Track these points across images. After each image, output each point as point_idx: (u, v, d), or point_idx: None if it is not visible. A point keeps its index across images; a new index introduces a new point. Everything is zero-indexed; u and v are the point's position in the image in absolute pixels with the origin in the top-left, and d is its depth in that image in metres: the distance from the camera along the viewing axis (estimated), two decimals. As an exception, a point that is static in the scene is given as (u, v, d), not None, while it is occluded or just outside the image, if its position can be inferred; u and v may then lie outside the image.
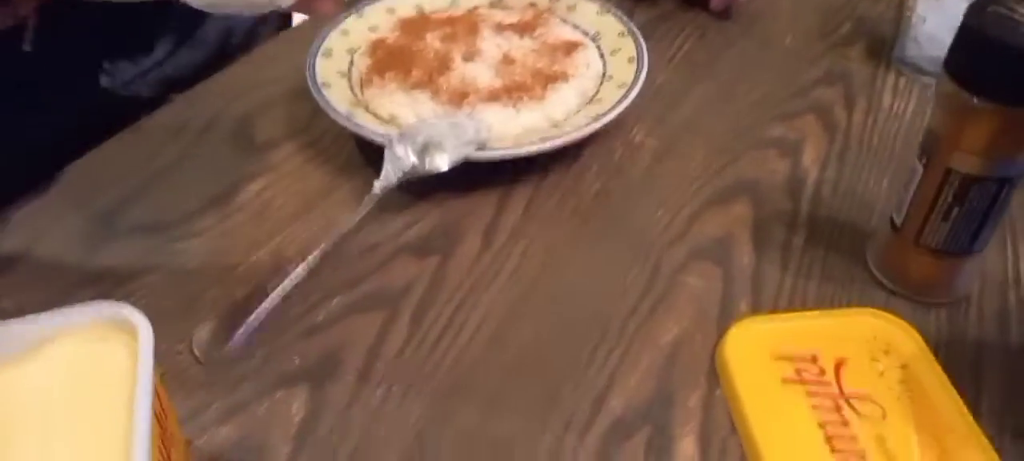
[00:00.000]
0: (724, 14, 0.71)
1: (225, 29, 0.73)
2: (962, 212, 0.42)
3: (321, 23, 0.67)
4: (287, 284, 0.46)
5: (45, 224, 0.52)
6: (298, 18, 0.73)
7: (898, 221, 0.45)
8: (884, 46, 0.67)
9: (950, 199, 0.42)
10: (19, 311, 0.46)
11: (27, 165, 0.61)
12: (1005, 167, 0.40)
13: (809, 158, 0.57)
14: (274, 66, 0.66)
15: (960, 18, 0.61)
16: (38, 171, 0.56)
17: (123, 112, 0.62)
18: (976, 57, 0.39)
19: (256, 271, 0.49)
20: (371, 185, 0.54)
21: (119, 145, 0.58)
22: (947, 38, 0.62)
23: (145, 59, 0.69)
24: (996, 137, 0.40)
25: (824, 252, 0.49)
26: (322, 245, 0.48)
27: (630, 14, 0.69)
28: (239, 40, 0.72)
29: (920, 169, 0.43)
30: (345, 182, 0.55)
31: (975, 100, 0.39)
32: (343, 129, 0.55)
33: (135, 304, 0.45)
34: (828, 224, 0.51)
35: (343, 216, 0.52)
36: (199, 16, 0.71)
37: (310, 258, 0.47)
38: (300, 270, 0.46)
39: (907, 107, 0.61)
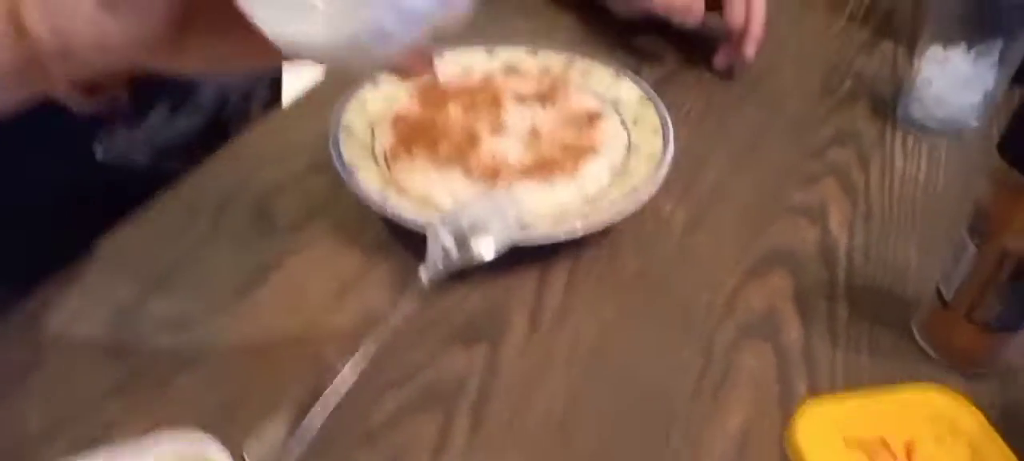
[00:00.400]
0: (727, 74, 0.73)
1: (220, 95, 0.70)
2: (1017, 290, 0.43)
3: (325, 96, 0.66)
4: (341, 386, 0.44)
5: (65, 320, 0.49)
6: (289, 92, 0.72)
7: (947, 296, 0.46)
8: (886, 104, 0.70)
9: (1006, 279, 0.43)
10: (48, 427, 0.44)
11: (27, 242, 0.58)
12: (1061, 249, 0.42)
13: (836, 224, 0.58)
14: (282, 139, 0.64)
15: (965, 78, 0.64)
16: (40, 248, 0.53)
17: (119, 182, 0.59)
18: (1033, 144, 0.41)
19: (297, 368, 0.47)
20: (407, 265, 0.52)
21: (131, 229, 0.55)
22: (953, 98, 0.65)
23: (140, 127, 0.66)
24: (1053, 221, 0.41)
25: (869, 324, 0.50)
26: (370, 342, 0.46)
27: (638, 72, 0.70)
28: (234, 106, 0.70)
29: (972, 248, 0.44)
30: (380, 263, 0.54)
31: (1032, 185, 0.41)
32: (369, 206, 0.53)
33: (174, 412, 0.43)
34: (868, 294, 0.53)
35: (381, 302, 0.51)
36: (193, 81, 0.69)
37: (359, 356, 0.45)
38: (350, 370, 0.45)
39: (919, 169, 0.63)
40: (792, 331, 0.50)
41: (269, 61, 0.38)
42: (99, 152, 0.64)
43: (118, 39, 0.37)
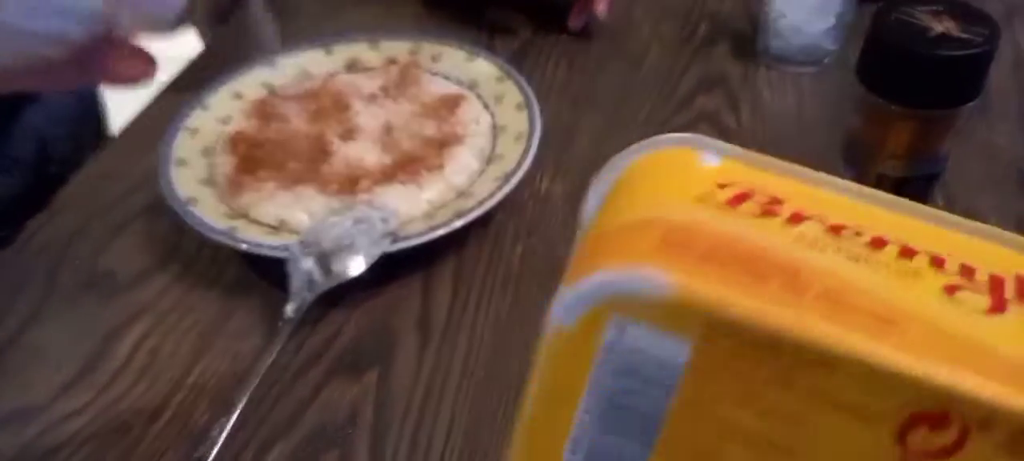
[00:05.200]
0: (583, 33, 0.73)
1: (40, 146, 0.65)
2: (896, 211, 0.46)
3: (154, 126, 0.62)
4: (218, 452, 0.42)
5: None
6: (118, 125, 0.67)
7: (833, 228, 0.49)
8: (746, 40, 0.72)
9: (884, 201, 0.46)
10: None
11: None
12: (932, 164, 0.45)
13: (715, 172, 0.60)
14: (112, 185, 0.59)
15: (816, 5, 0.67)
16: None
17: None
18: (887, 66, 0.43)
19: (165, 445, 0.44)
20: (272, 301, 0.50)
21: (-59, 322, 0.50)
22: (808, 27, 0.68)
23: None
24: (918, 138, 0.44)
25: (763, 270, 0.52)
26: (243, 394, 0.44)
27: (491, 49, 0.70)
28: (58, 159, 0.65)
29: (849, 177, 0.46)
30: (239, 305, 0.51)
31: (893, 107, 0.43)
32: (220, 242, 0.51)
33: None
34: (756, 239, 0.54)
35: (249, 348, 0.49)
36: (4, 134, 0.63)
37: (234, 416, 0.43)
38: (225, 433, 0.42)
39: (787, 101, 0.66)
40: (689, 291, 0.51)
41: None
42: None
43: None
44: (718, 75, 0.69)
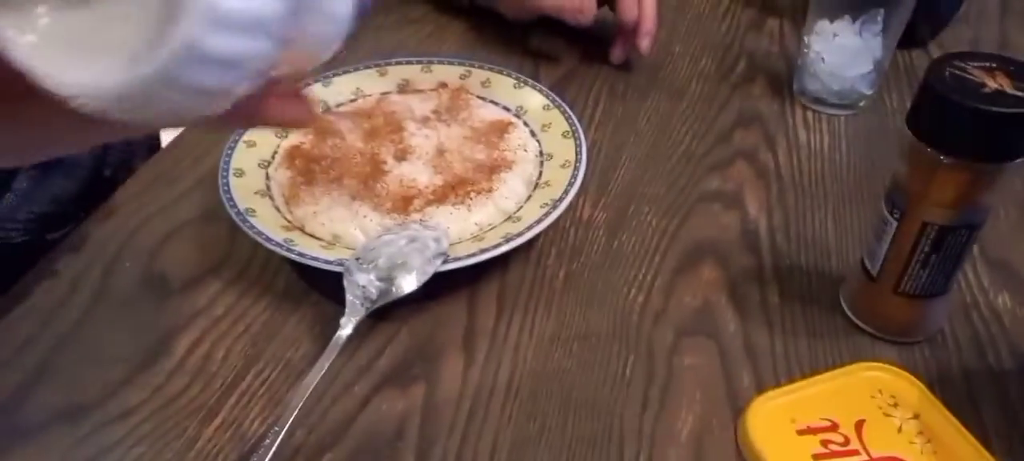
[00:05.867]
0: (625, 67, 0.74)
1: (98, 149, 0.65)
2: (939, 259, 0.46)
3: (205, 136, 0.63)
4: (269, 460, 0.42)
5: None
6: (168, 136, 0.67)
7: (873, 271, 0.49)
8: (782, 80, 0.73)
9: (927, 249, 0.46)
10: None
11: None
12: (976, 214, 0.44)
13: (754, 208, 0.60)
14: (166, 189, 0.60)
15: (854, 50, 0.67)
16: None
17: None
18: (940, 118, 0.43)
19: (218, 448, 0.44)
20: (323, 312, 0.51)
21: (2, 315, 0.51)
22: (846, 71, 0.68)
23: (6, 194, 0.60)
24: (966, 189, 0.44)
25: (801, 306, 0.52)
26: (294, 403, 0.44)
27: (536, 76, 0.70)
28: (112, 163, 0.65)
29: (892, 222, 0.46)
30: (290, 314, 0.51)
31: (943, 158, 0.43)
32: (272, 252, 0.51)
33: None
34: (795, 274, 0.54)
35: (300, 357, 0.49)
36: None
37: (287, 424, 0.43)
38: (278, 442, 0.42)
39: (822, 142, 0.66)
40: (729, 324, 0.51)
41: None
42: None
43: None
44: (755, 112, 0.69)
